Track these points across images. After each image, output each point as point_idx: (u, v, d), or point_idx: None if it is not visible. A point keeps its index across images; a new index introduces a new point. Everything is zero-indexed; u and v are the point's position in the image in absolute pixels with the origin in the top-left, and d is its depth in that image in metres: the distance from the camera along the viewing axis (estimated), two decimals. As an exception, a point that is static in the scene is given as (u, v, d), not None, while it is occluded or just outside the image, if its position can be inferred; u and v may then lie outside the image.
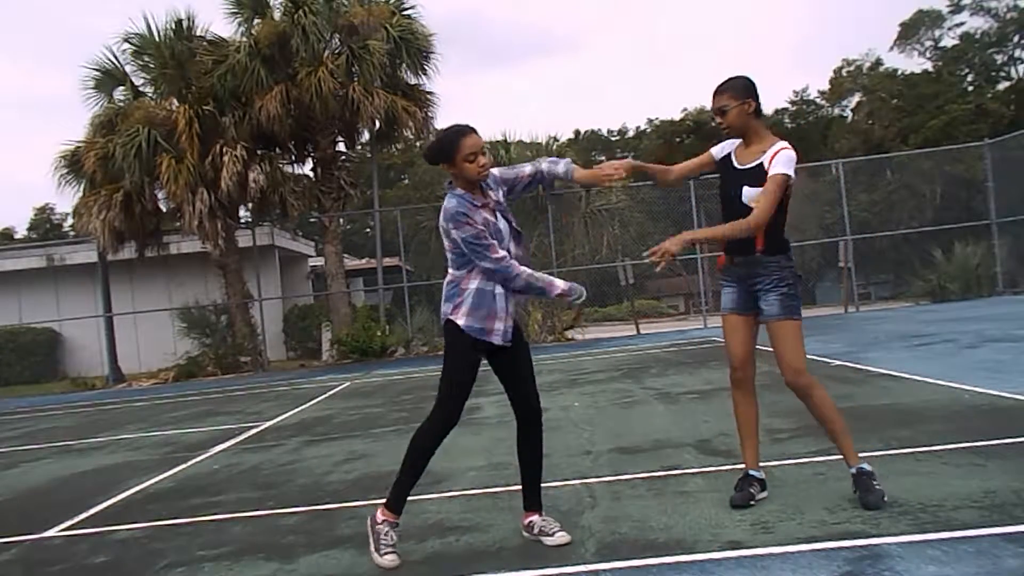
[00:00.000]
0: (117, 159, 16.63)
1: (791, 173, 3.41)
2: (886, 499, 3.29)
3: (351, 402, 9.60)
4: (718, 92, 3.51)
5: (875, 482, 3.35)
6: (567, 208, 18.74)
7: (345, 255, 20.83)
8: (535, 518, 3.36)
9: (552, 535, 3.27)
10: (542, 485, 3.46)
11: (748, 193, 3.45)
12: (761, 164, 3.45)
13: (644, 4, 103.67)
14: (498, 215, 3.33)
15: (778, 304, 3.45)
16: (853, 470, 3.41)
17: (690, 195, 18.36)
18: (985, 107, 33.56)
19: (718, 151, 3.68)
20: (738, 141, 3.59)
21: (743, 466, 3.66)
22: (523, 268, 3.28)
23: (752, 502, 3.51)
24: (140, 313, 20.71)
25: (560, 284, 3.30)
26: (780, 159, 3.41)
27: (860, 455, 3.48)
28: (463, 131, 3.25)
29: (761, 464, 3.74)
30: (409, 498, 4.32)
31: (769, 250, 3.47)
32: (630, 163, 3.64)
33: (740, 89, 3.49)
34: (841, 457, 3.51)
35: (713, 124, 3.53)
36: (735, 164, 3.56)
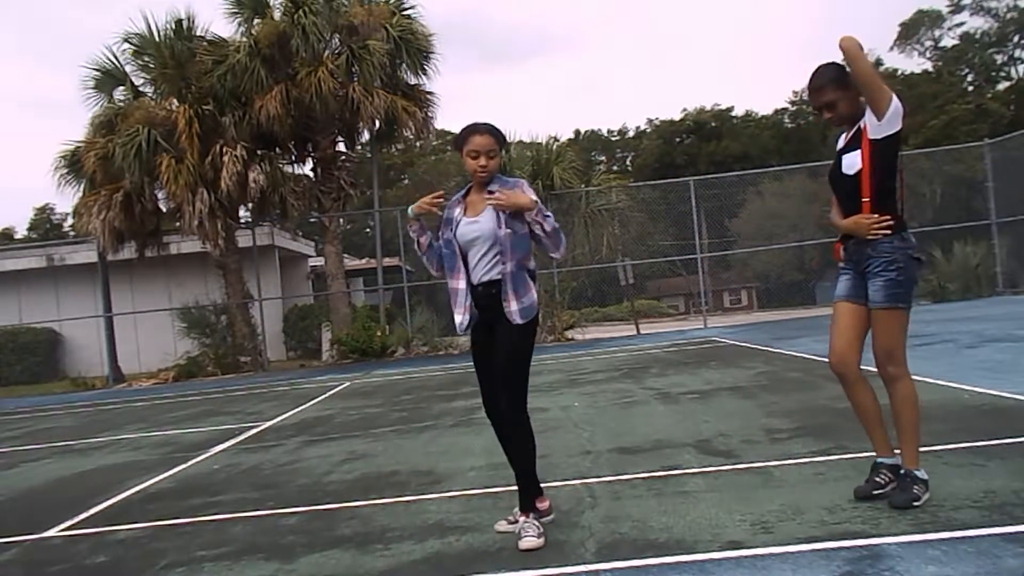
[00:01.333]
0: (117, 159, 16.61)
1: (900, 107, 3.17)
2: (916, 504, 3.20)
3: (351, 402, 9.60)
4: (817, 88, 3.27)
5: (917, 488, 3.23)
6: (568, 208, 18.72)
7: (345, 255, 20.84)
8: (521, 518, 3.39)
9: (521, 538, 3.26)
10: (544, 485, 3.47)
11: (845, 160, 3.26)
12: (858, 128, 3.24)
13: (645, 4, 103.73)
14: (462, 224, 3.46)
15: (882, 290, 3.25)
16: (902, 470, 3.32)
17: (690, 195, 18.36)
18: (985, 107, 33.60)
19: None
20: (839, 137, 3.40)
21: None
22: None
23: (876, 492, 3.35)
24: (140, 313, 20.71)
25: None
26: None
27: (862, 455, 3.47)
28: (476, 129, 3.41)
29: (760, 464, 3.75)
30: (409, 498, 4.34)
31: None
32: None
33: (839, 79, 3.24)
34: (842, 457, 3.50)
35: (822, 119, 3.42)
36: (839, 147, 3.39)
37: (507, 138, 3.60)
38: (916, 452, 3.32)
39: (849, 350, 3.40)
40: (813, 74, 3.30)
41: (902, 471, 3.33)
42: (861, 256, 3.31)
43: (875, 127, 3.18)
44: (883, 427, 3.45)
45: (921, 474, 3.29)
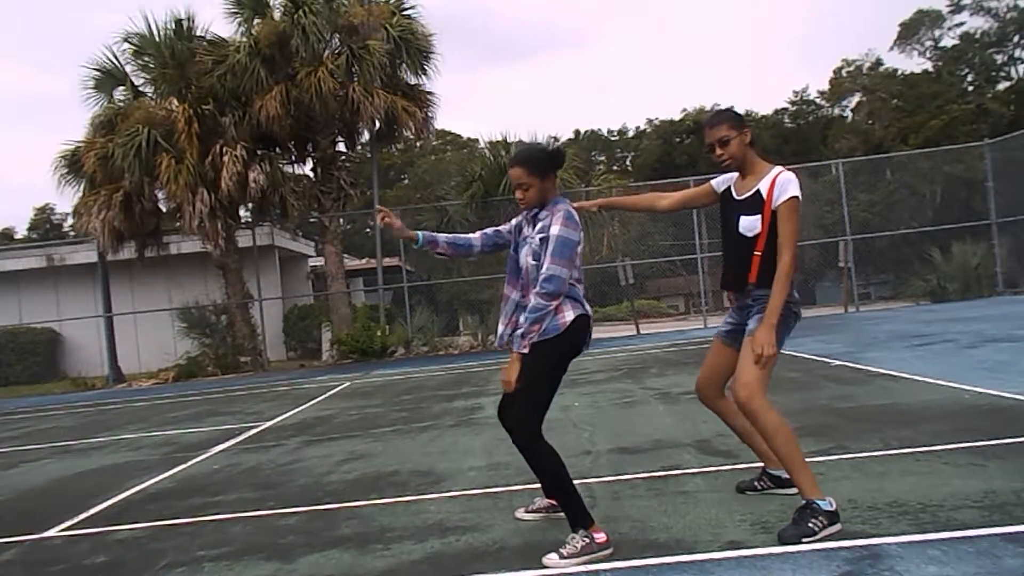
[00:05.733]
0: (117, 159, 16.61)
1: (799, 194, 3.30)
2: (805, 540, 2.99)
3: (351, 402, 9.60)
4: (715, 124, 3.38)
5: (815, 521, 3.04)
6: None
7: (345, 255, 20.83)
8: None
9: (548, 553, 3.13)
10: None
11: (744, 223, 3.34)
12: (758, 191, 3.34)
13: (645, 4, 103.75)
14: (521, 244, 3.45)
15: (756, 322, 3.32)
16: (803, 501, 3.16)
17: (690, 196, 18.34)
18: (985, 107, 33.59)
19: (719, 183, 3.57)
20: (735, 175, 3.48)
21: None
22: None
23: (750, 492, 3.70)
24: (140, 313, 20.72)
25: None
26: (784, 184, 3.30)
27: (862, 455, 3.47)
28: (511, 162, 3.42)
29: (760, 464, 3.75)
30: (409, 498, 4.35)
31: (762, 283, 3.31)
32: (603, 201, 3.87)
33: (736, 120, 3.38)
34: (842, 457, 3.51)
35: (712, 157, 3.43)
36: (734, 196, 3.46)
37: (555, 156, 3.41)
38: (810, 481, 3.17)
39: (707, 384, 3.67)
40: (711, 114, 3.51)
41: (803, 501, 3.16)
42: (743, 304, 3.45)
43: (777, 199, 3.30)
44: (759, 441, 3.56)
45: (825, 504, 3.10)
